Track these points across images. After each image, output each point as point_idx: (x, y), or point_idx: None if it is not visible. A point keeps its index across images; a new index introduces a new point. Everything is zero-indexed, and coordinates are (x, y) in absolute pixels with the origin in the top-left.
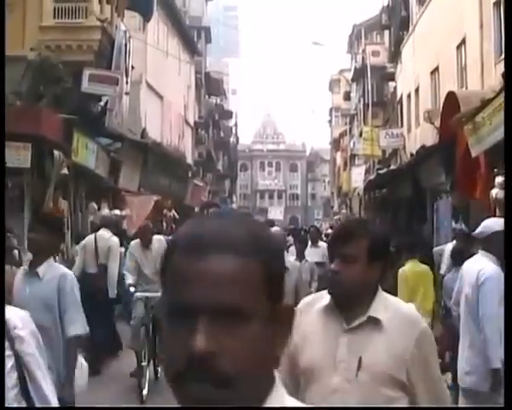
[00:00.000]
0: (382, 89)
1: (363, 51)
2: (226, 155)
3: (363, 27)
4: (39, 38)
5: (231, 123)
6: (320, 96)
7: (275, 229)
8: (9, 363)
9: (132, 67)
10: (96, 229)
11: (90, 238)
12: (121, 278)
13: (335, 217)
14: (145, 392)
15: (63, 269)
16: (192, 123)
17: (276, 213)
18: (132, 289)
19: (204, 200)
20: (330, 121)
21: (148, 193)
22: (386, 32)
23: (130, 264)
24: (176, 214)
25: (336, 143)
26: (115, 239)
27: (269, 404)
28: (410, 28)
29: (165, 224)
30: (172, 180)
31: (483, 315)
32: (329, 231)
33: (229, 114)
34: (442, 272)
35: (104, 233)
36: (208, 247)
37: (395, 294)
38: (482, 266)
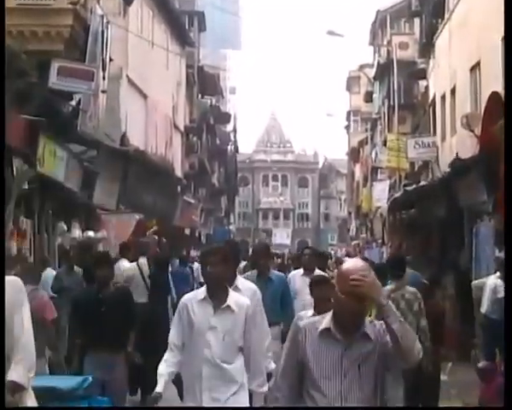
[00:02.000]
0: (411, 89)
1: (389, 43)
2: (223, 167)
3: (388, 14)
4: None
5: (229, 128)
6: (336, 97)
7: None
8: None
9: (111, 60)
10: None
11: (133, 267)
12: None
13: (353, 242)
14: None
15: None
16: (182, 127)
17: (282, 236)
18: None
19: (195, 219)
20: (348, 127)
21: (128, 211)
22: (417, 20)
23: None
24: (162, 238)
25: (355, 154)
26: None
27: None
28: (446, 15)
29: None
30: (158, 196)
31: None
32: (346, 258)
33: (226, 118)
34: (483, 310)
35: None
36: None
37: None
38: None
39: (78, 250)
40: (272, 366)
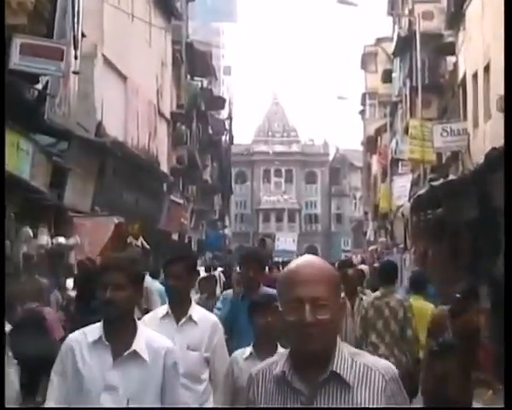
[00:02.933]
0: (437, 66)
1: (410, 13)
2: (216, 161)
3: None
4: None
5: (224, 115)
6: (349, 77)
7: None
8: None
9: (83, 35)
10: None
11: None
12: None
13: (370, 248)
14: None
15: None
16: (168, 115)
17: (287, 241)
18: None
19: (184, 222)
20: (363, 112)
21: (105, 214)
22: None
23: None
24: (145, 243)
25: (371, 144)
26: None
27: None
28: None
29: None
30: (140, 196)
31: None
32: (362, 266)
33: (220, 103)
34: None
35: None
36: None
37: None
38: None
39: (47, 259)
40: None
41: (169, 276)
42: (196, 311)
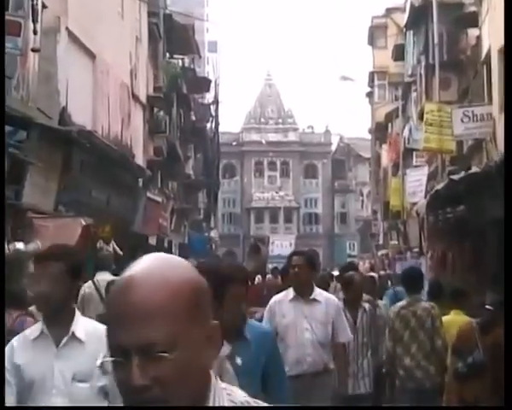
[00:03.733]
0: (457, 40)
1: None
2: (200, 152)
3: None
4: None
5: (209, 98)
6: (354, 54)
7: None
8: None
9: (44, 7)
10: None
11: (89, 286)
12: None
13: (380, 252)
14: None
15: None
16: (144, 99)
17: (283, 245)
18: None
19: (164, 224)
20: (371, 94)
21: (71, 214)
22: None
23: None
24: (117, 249)
25: (381, 131)
26: None
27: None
28: None
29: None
30: (112, 193)
31: None
32: (372, 274)
33: (205, 84)
34: None
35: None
36: None
37: None
38: None
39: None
40: None
41: None
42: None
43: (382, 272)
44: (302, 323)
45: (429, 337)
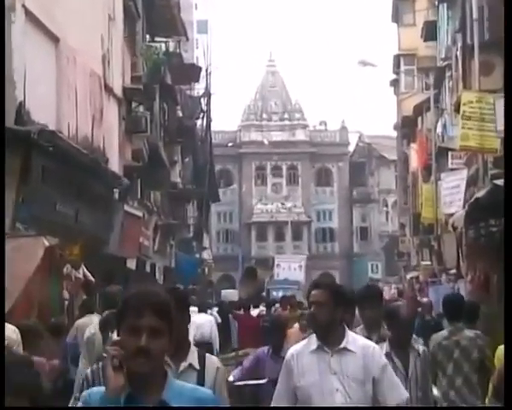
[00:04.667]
0: (501, 16)
1: None
2: (189, 155)
3: None
4: None
5: (199, 90)
6: (376, 34)
7: None
8: None
9: None
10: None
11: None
12: None
13: (409, 275)
14: None
15: None
16: (120, 91)
17: (291, 267)
18: None
19: (145, 244)
20: (396, 82)
21: (31, 233)
22: None
23: None
24: (88, 274)
25: (409, 128)
26: None
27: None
28: None
29: (66, 293)
30: (82, 207)
31: None
32: (425, 300)
33: (193, 73)
34: None
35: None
36: None
37: None
38: None
39: None
40: None
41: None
42: None
43: (425, 300)
44: (330, 382)
45: (476, 369)
